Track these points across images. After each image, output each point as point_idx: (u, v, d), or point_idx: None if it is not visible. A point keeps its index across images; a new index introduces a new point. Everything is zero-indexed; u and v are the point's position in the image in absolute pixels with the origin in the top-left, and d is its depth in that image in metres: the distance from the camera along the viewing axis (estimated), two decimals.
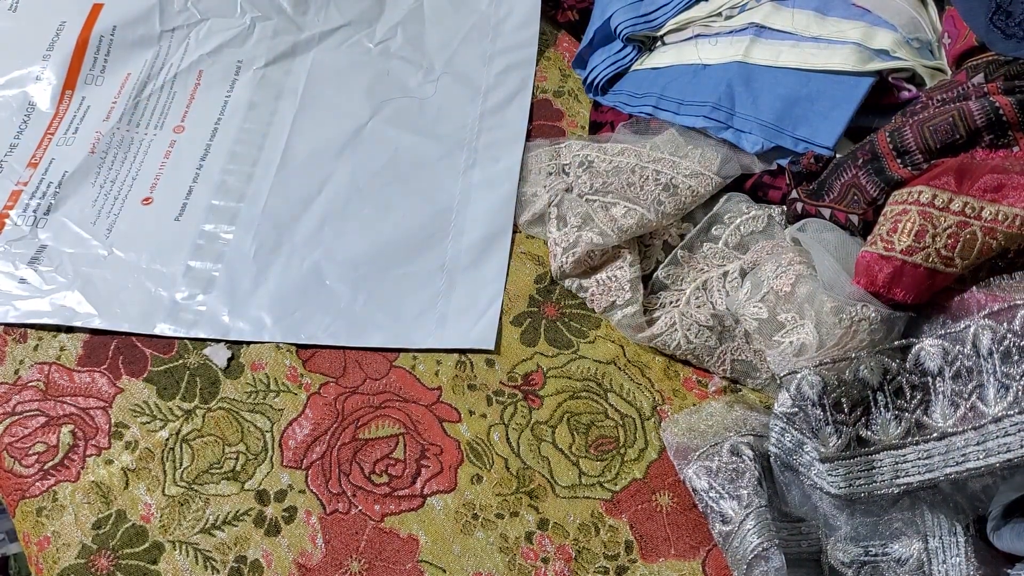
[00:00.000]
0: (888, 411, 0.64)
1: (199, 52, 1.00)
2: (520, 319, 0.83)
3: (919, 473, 0.63)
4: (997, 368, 0.60)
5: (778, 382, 0.68)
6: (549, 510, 0.72)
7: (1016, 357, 0.59)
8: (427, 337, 0.81)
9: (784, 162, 0.82)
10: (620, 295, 0.81)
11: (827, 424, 0.64)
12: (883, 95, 0.82)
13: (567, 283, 0.84)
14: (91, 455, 0.74)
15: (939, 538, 0.64)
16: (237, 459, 0.74)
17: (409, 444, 0.75)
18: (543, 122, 0.97)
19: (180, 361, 0.79)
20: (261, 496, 0.72)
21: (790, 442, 0.67)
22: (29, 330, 0.81)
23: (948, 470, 0.61)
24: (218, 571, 0.69)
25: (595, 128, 0.95)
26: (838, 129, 0.80)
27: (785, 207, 0.81)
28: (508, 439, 0.76)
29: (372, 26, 1.04)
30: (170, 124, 0.95)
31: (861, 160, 0.73)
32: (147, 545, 0.70)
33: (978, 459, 0.60)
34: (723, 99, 0.84)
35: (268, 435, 0.75)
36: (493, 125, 0.96)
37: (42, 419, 0.76)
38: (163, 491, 0.72)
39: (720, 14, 0.90)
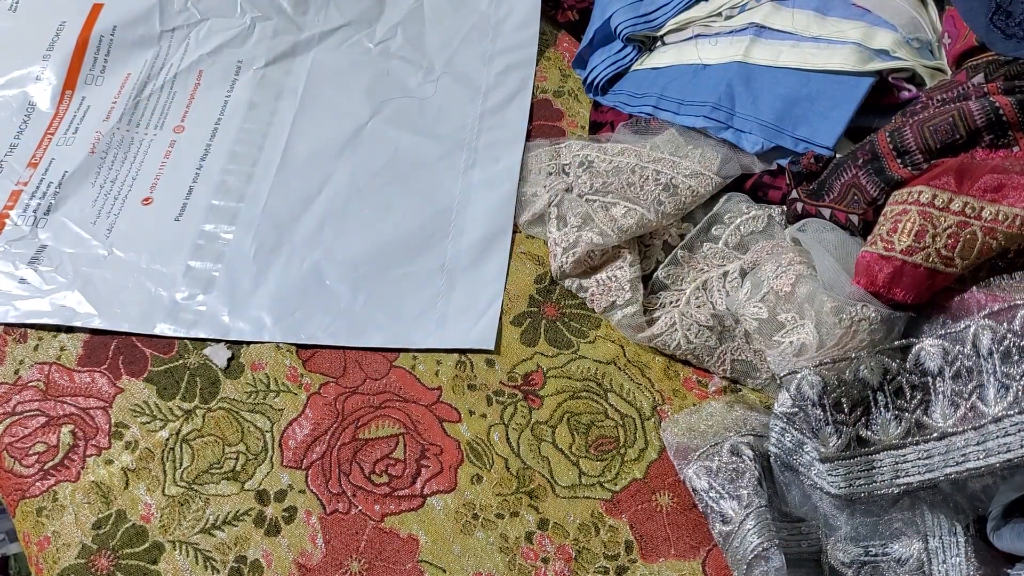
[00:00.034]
0: (888, 411, 0.64)
1: (199, 52, 1.00)
2: (520, 319, 0.83)
3: (919, 473, 0.63)
4: (997, 368, 0.60)
5: (778, 382, 0.68)
6: (549, 510, 0.72)
7: (1016, 357, 0.59)
8: (427, 337, 0.81)
9: (784, 162, 0.82)
10: (620, 295, 0.81)
11: (827, 424, 0.64)
12: (883, 95, 0.82)
13: (567, 283, 0.84)
14: (91, 455, 0.74)
15: (939, 538, 0.64)
16: (237, 459, 0.74)
17: (409, 444, 0.75)
18: (543, 122, 0.97)
19: (180, 361, 0.79)
20: (261, 496, 0.72)
21: (790, 442, 0.67)
22: (29, 330, 0.81)
23: (948, 470, 0.61)
24: (218, 571, 0.69)
25: (595, 128, 0.95)
26: (838, 129, 0.80)
27: (785, 207, 0.81)
28: (508, 439, 0.76)
29: (372, 26, 1.04)
30: (170, 124, 0.95)
31: (861, 160, 0.73)
32: (147, 545, 0.70)
33: (978, 459, 0.60)
34: (723, 99, 0.84)
35: (268, 435, 0.75)
36: (493, 125, 0.96)
37: (42, 419, 0.76)
38: (163, 491, 0.72)
39: (720, 14, 0.90)
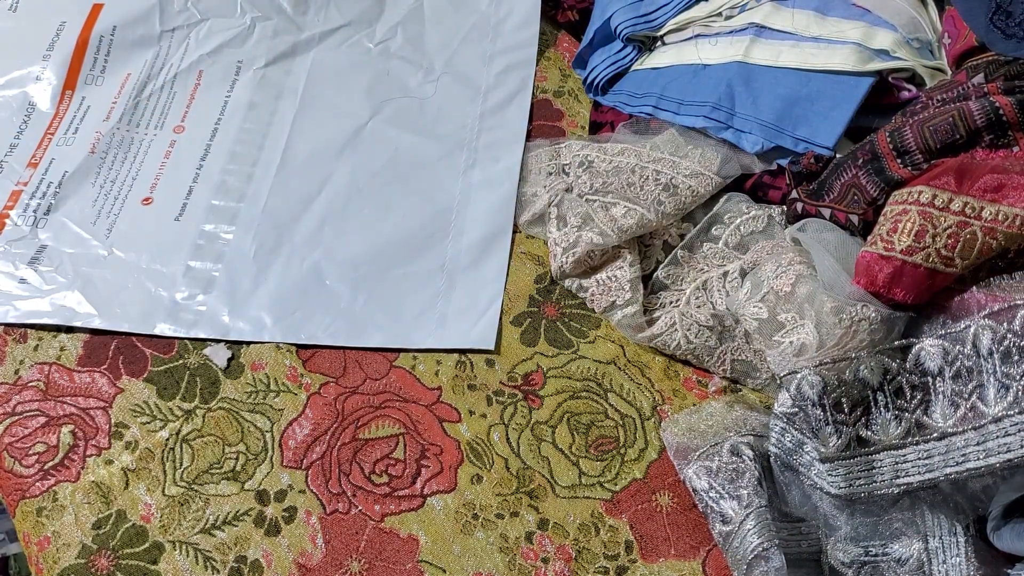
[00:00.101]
0: (888, 411, 0.64)
1: (199, 52, 1.00)
2: (520, 319, 0.83)
3: (919, 473, 0.63)
4: (997, 368, 0.60)
5: (778, 382, 0.68)
6: (549, 510, 0.72)
7: (1016, 357, 0.59)
8: (427, 337, 0.81)
9: (784, 162, 0.82)
10: (620, 295, 0.81)
11: (827, 424, 0.64)
12: (883, 95, 0.82)
13: (567, 283, 0.84)
14: (91, 455, 0.74)
15: (939, 538, 0.64)
16: (237, 459, 0.74)
17: (409, 444, 0.75)
18: (543, 122, 0.97)
19: (180, 361, 0.79)
20: (261, 496, 0.72)
21: (790, 442, 0.67)
22: (29, 330, 0.81)
23: (948, 470, 0.61)
24: (218, 571, 0.69)
25: (595, 128, 0.95)
26: (838, 129, 0.80)
27: (785, 207, 0.81)
28: (508, 439, 0.76)
29: (372, 26, 1.04)
30: (170, 124, 0.95)
31: (861, 160, 0.73)
32: (147, 545, 0.70)
33: (978, 459, 0.60)
34: (723, 99, 0.84)
35: (268, 435, 0.75)
36: (493, 125, 0.96)
37: (42, 419, 0.76)
38: (163, 491, 0.72)
39: (720, 14, 0.90)
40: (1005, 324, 0.60)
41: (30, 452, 0.74)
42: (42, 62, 0.97)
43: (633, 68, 0.94)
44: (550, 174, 0.90)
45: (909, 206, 0.66)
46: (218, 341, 0.80)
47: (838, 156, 0.77)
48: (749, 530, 0.65)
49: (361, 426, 0.76)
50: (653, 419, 0.77)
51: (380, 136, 0.95)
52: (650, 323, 0.80)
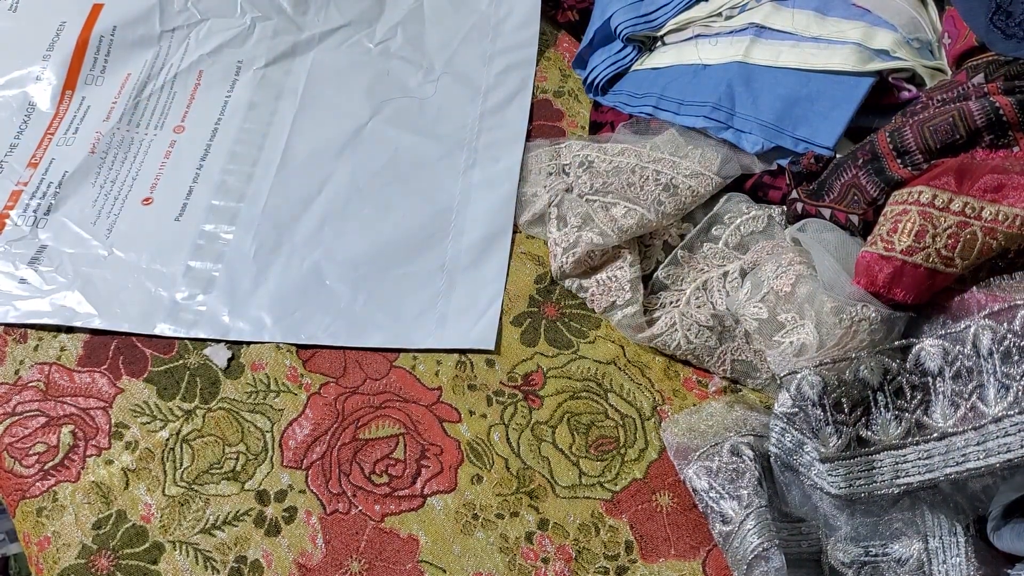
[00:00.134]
0: (888, 411, 0.64)
1: (199, 52, 1.00)
2: (520, 319, 0.83)
3: (919, 473, 0.63)
4: (997, 368, 0.60)
5: (778, 382, 0.68)
6: (549, 510, 0.72)
7: (1016, 357, 0.59)
8: (427, 337, 0.81)
9: (784, 162, 0.82)
10: (620, 295, 0.81)
11: (827, 424, 0.64)
12: (883, 95, 0.82)
13: (567, 283, 0.84)
14: (91, 455, 0.74)
15: (939, 538, 0.64)
16: (237, 459, 0.74)
17: (409, 444, 0.75)
18: (543, 122, 0.97)
19: (180, 361, 0.79)
20: (261, 496, 0.72)
21: (790, 442, 0.67)
22: (29, 330, 0.81)
23: (948, 470, 0.61)
24: (218, 571, 0.69)
25: (595, 128, 0.95)
26: (838, 129, 0.80)
27: (785, 207, 0.81)
28: (508, 439, 0.76)
29: (372, 26, 1.04)
30: (170, 124, 0.95)
31: (861, 160, 0.73)
32: (147, 545, 0.70)
33: (978, 459, 0.60)
34: (723, 99, 0.84)
35: (268, 435, 0.75)
36: (493, 125, 0.96)
37: (42, 419, 0.76)
38: (163, 491, 0.72)
39: (720, 14, 0.90)
40: (1005, 324, 0.60)
41: (30, 452, 0.74)
42: (42, 62, 0.97)
43: (633, 68, 0.94)
44: (550, 174, 0.90)
45: (909, 206, 0.66)
46: (218, 341, 0.80)
47: (838, 156, 0.77)
48: (749, 530, 0.65)
49: (361, 426, 0.76)
50: (653, 419, 0.77)
51: (380, 136, 0.95)
52: (650, 323, 0.80)
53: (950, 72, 0.79)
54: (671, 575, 0.70)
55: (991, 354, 0.60)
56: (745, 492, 0.67)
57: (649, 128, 0.89)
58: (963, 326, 0.62)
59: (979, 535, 0.64)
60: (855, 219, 0.73)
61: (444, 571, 0.70)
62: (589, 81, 0.96)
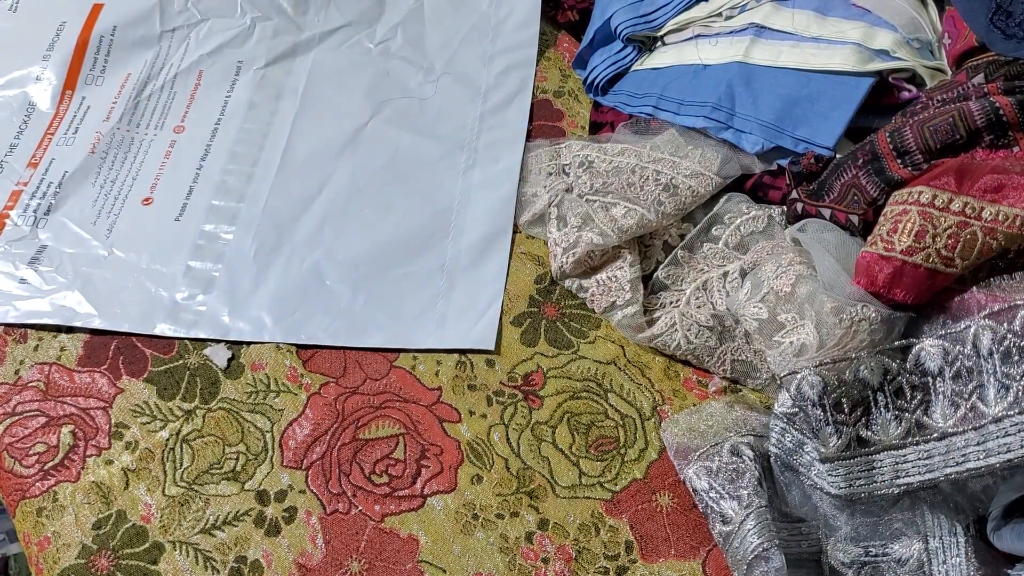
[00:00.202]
0: (888, 411, 0.64)
1: (199, 52, 1.00)
2: (520, 319, 0.83)
3: (919, 473, 0.63)
4: (997, 368, 0.60)
5: (778, 382, 0.68)
6: (549, 510, 0.72)
7: (1016, 357, 0.59)
8: (427, 337, 0.81)
9: (784, 162, 0.82)
10: (620, 295, 0.81)
11: (827, 424, 0.64)
12: (883, 95, 0.82)
13: (567, 283, 0.84)
14: (91, 455, 0.74)
15: (939, 538, 0.64)
16: (237, 459, 0.74)
17: (409, 444, 0.75)
18: (543, 122, 0.97)
19: (180, 361, 0.79)
20: (261, 496, 0.72)
21: (790, 442, 0.67)
22: (29, 330, 0.81)
23: (948, 470, 0.61)
24: (218, 571, 0.69)
25: (595, 128, 0.95)
26: (838, 129, 0.80)
27: (785, 207, 0.81)
28: (508, 439, 0.76)
29: (372, 26, 1.04)
30: (170, 124, 0.95)
31: (861, 160, 0.73)
32: (147, 545, 0.70)
33: (978, 459, 0.60)
34: (723, 99, 0.84)
35: (268, 435, 0.75)
36: (493, 125, 0.96)
37: (42, 419, 0.76)
38: (163, 491, 0.72)
39: (720, 14, 0.90)
40: (1005, 324, 0.60)
41: (30, 452, 0.74)
42: (42, 62, 0.97)
43: (633, 68, 0.94)
44: (550, 174, 0.90)
45: (909, 206, 0.66)
46: (218, 341, 0.80)
47: (838, 156, 0.77)
48: (749, 530, 0.65)
49: (361, 426, 0.76)
50: (653, 419, 0.77)
51: (380, 136, 0.95)
52: (650, 323, 0.80)
53: (950, 72, 0.79)
54: (671, 575, 0.70)
55: (991, 354, 0.60)
56: (745, 492, 0.67)
57: (649, 128, 0.89)
58: (963, 326, 0.62)
59: (979, 535, 0.64)
60: (855, 219, 0.73)
61: (444, 571, 0.70)
62: (589, 81, 0.96)
